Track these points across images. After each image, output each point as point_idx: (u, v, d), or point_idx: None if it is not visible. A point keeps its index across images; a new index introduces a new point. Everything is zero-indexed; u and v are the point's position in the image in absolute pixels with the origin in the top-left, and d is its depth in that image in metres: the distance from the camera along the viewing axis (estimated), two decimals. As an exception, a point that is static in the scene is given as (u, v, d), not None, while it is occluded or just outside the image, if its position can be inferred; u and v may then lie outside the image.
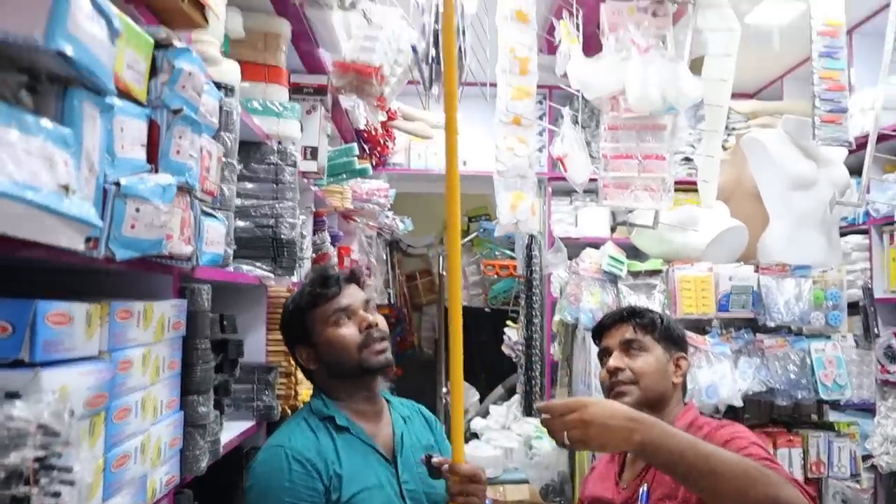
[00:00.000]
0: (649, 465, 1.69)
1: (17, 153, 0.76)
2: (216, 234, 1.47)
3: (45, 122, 0.82)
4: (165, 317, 1.34)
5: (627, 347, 1.76)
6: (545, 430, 1.32)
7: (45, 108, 0.88)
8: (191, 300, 1.49)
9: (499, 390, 5.54)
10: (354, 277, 1.73)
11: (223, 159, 1.58)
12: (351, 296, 1.68)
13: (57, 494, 0.78)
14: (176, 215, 1.24)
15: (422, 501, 1.65)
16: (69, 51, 0.83)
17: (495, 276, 6.13)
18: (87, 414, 0.99)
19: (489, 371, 6.03)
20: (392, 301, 5.99)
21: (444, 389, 5.75)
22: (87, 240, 0.98)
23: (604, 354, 1.83)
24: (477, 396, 5.82)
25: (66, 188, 0.83)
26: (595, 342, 1.92)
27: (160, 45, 1.20)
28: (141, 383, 1.22)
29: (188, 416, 1.47)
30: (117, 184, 1.01)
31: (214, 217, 1.49)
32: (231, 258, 1.65)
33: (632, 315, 1.82)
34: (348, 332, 1.63)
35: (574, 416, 1.25)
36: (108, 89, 0.97)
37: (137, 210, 1.04)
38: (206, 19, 1.48)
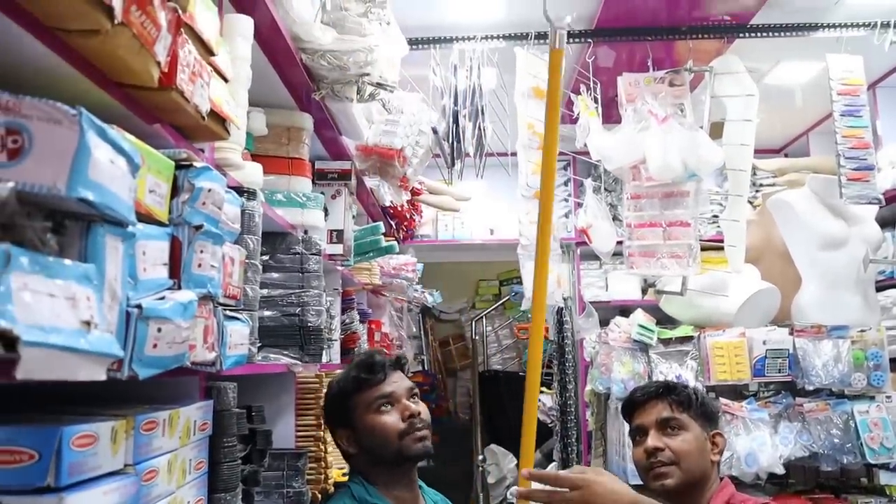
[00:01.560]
0: None
1: (41, 298, 0.81)
2: (239, 337, 1.51)
3: (68, 262, 0.88)
4: (191, 420, 1.38)
5: (664, 426, 1.74)
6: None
7: (69, 246, 0.94)
8: (217, 399, 1.53)
9: (536, 456, 5.46)
10: (400, 364, 1.74)
11: (246, 262, 1.63)
12: (395, 383, 1.68)
13: None
14: (199, 325, 1.28)
15: None
16: (91, 196, 0.89)
17: (528, 340, 6.10)
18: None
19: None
20: (426, 367, 5.99)
21: (481, 456, 5.69)
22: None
23: (637, 433, 1.80)
24: (514, 462, 5.74)
25: (88, 324, 0.88)
26: (626, 419, 1.89)
27: (181, 166, 1.27)
28: (167, 490, 1.25)
29: (216, 516, 1.49)
30: (139, 306, 1.06)
31: (238, 319, 1.53)
32: (256, 355, 1.68)
33: (667, 391, 1.79)
34: (390, 419, 1.63)
35: (576, 494, 1.22)
36: (130, 221, 1.03)
37: (159, 330, 1.08)
38: (227, 131, 1.55)
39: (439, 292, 4.30)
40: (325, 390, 2.37)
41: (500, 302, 6.71)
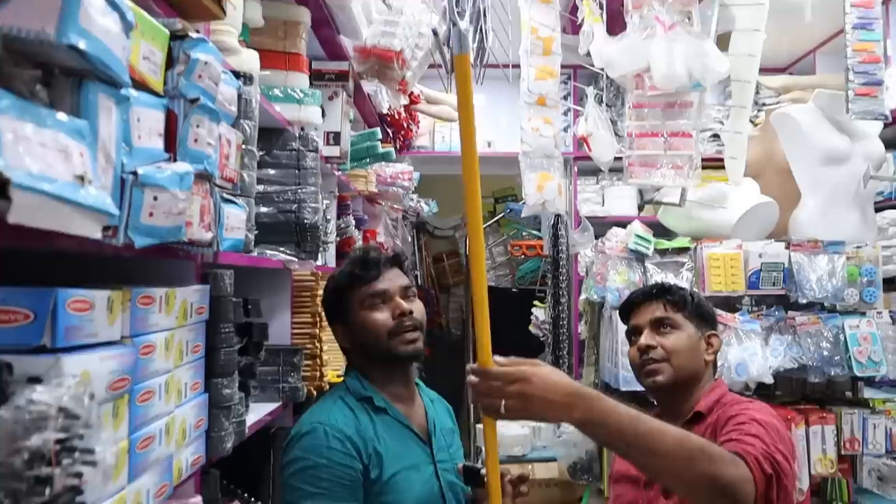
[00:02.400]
0: None
1: (32, 146, 0.78)
2: (236, 220, 1.49)
3: (60, 115, 0.84)
4: (188, 302, 1.37)
5: (658, 325, 1.76)
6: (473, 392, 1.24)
7: (60, 101, 0.90)
8: (214, 285, 1.52)
9: (529, 371, 5.54)
10: (397, 261, 1.71)
11: (243, 147, 1.59)
12: (390, 280, 1.65)
13: (79, 475, 0.80)
14: (195, 203, 1.26)
15: (452, 482, 1.68)
16: (82, 45, 0.85)
17: (522, 257, 6.10)
18: (109, 397, 1.02)
19: (517, 351, 6.02)
20: (419, 282, 6.01)
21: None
22: (106, 228, 1.00)
23: (633, 333, 1.82)
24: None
25: (81, 178, 0.85)
26: (623, 321, 1.90)
27: (176, 37, 1.22)
28: (164, 367, 1.25)
29: (213, 398, 1.50)
30: (134, 173, 1.03)
31: (235, 203, 1.51)
32: (253, 243, 1.67)
33: (662, 292, 1.80)
34: (380, 317, 1.61)
35: (514, 387, 1.19)
36: (124, 81, 0.99)
37: (155, 198, 1.06)
38: (223, 10, 1.49)
39: (435, 202, 4.27)
40: (321, 289, 2.37)
41: (495, 219, 6.68)
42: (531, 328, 4.78)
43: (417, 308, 1.66)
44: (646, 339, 1.75)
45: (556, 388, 1.20)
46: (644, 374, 1.76)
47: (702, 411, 1.68)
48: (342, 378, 1.73)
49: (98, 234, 0.89)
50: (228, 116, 1.49)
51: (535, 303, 4.84)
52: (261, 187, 2.14)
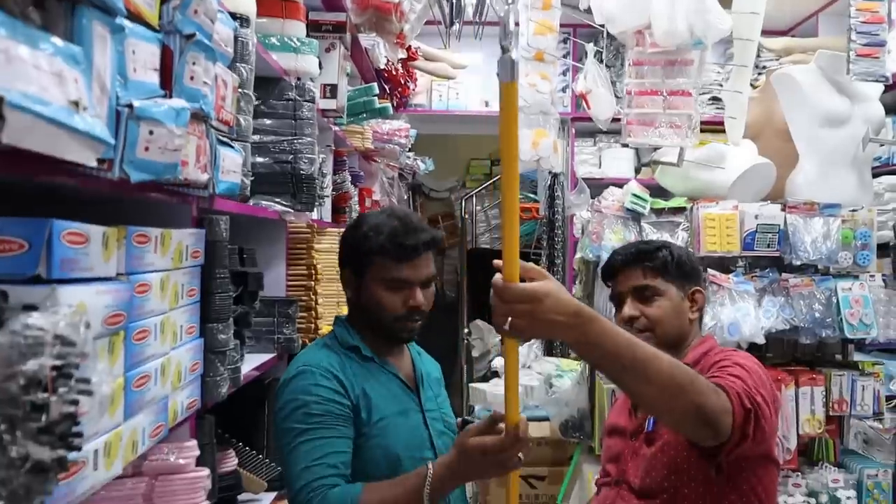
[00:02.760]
0: None
1: (26, 68, 0.76)
2: (232, 164, 1.48)
3: (55, 39, 0.82)
4: (183, 244, 1.36)
5: (640, 294, 1.74)
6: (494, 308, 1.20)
7: (53, 26, 0.88)
8: (209, 230, 1.51)
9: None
10: (433, 245, 1.64)
11: (239, 90, 1.57)
12: (417, 269, 1.60)
13: (75, 402, 0.80)
14: (191, 142, 1.24)
15: (441, 431, 1.72)
16: (74, -36, 0.82)
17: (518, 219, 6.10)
18: (105, 332, 1.02)
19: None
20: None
21: (466, 330, 5.81)
22: (102, 161, 0.98)
23: (616, 301, 1.81)
24: (499, 337, 5.87)
25: (76, 104, 0.83)
26: (606, 284, 1.89)
27: (171, -31, 1.19)
28: (160, 307, 1.25)
29: (208, 342, 1.50)
30: (130, 106, 1.01)
31: (231, 147, 1.49)
32: (248, 189, 1.66)
33: (641, 258, 1.76)
34: (393, 301, 1.60)
35: (525, 307, 1.14)
36: (118, 9, 0.97)
37: (151, 133, 1.04)
38: (218, -55, 1.45)
39: (432, 160, 4.25)
40: (317, 241, 2.37)
41: (491, 181, 6.66)
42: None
43: (429, 297, 1.65)
44: (628, 309, 1.74)
45: (561, 308, 1.17)
46: None
47: (689, 363, 1.68)
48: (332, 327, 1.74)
49: (93, 162, 0.88)
50: (224, 57, 1.46)
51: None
52: (256, 137, 2.12)
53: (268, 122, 2.18)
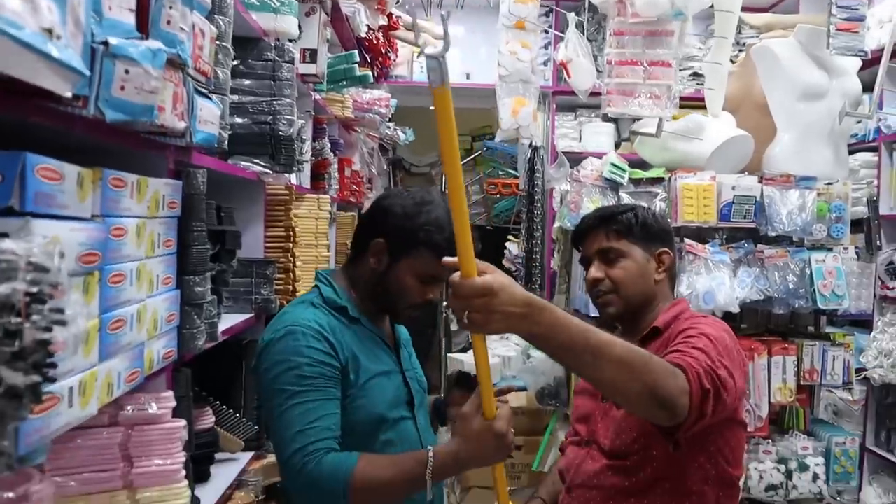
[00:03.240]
0: None
1: (-3, -9, 0.75)
2: (210, 114, 1.47)
3: (26, -36, 0.81)
4: (160, 194, 1.36)
5: (605, 256, 1.75)
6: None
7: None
8: (186, 183, 1.50)
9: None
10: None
11: (217, 42, 1.56)
12: (448, 271, 1.62)
13: (48, 329, 0.80)
14: (168, 88, 1.23)
15: (417, 390, 1.75)
16: None
17: (498, 195, 6.12)
18: (80, 270, 1.01)
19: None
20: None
21: (445, 303, 5.83)
22: (77, 98, 0.98)
23: (584, 264, 1.83)
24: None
25: (49, 32, 0.83)
26: (577, 249, 1.90)
27: None
28: (136, 254, 1.25)
29: (185, 295, 1.50)
30: (105, 43, 1.00)
31: (208, 98, 1.48)
32: (226, 142, 1.64)
33: (604, 221, 1.77)
34: (416, 292, 1.62)
35: (481, 301, 1.15)
36: (92, -60, 0.96)
37: (127, 72, 1.03)
38: None
39: (412, 129, 4.23)
40: (294, 204, 2.36)
41: (471, 157, 6.67)
42: (504, 262, 4.82)
43: (438, 296, 1.70)
44: (593, 272, 1.76)
45: (515, 300, 1.17)
46: (597, 305, 1.79)
47: (659, 327, 1.70)
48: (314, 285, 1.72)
49: (68, 93, 0.87)
50: (202, 7, 1.45)
51: (510, 237, 4.87)
52: (235, 97, 2.11)
53: (246, 82, 2.16)
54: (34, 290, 0.78)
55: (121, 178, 1.18)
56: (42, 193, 0.93)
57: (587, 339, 1.23)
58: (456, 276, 1.17)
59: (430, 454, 1.43)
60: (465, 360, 3.97)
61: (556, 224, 3.18)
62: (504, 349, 3.94)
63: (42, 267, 0.79)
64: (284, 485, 1.61)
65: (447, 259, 1.21)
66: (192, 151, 1.58)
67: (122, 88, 1.03)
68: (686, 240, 2.91)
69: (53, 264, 0.80)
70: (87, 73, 0.91)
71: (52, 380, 0.85)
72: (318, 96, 3.04)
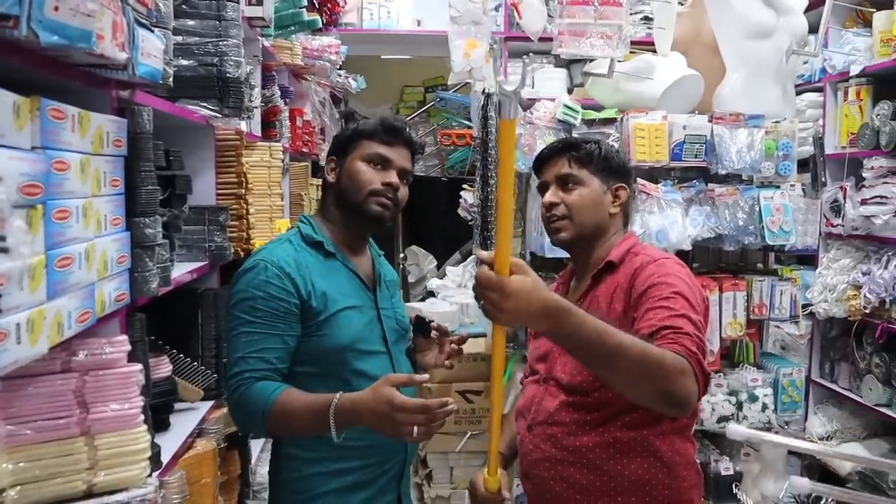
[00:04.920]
0: (587, 294, 1.75)
1: None
2: (153, 48, 1.41)
3: None
4: (104, 130, 1.31)
5: (563, 182, 1.77)
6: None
7: None
8: (132, 121, 1.46)
9: (456, 256, 5.63)
10: (413, 147, 1.78)
11: (156, -27, 1.49)
12: (399, 154, 1.74)
13: (-9, 253, 0.77)
14: (106, 15, 1.18)
15: (394, 328, 1.80)
16: None
17: (452, 147, 6.08)
18: (22, 202, 0.97)
19: (447, 239, 6.10)
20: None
21: (402, 255, 5.84)
22: (6, 18, 0.93)
23: (541, 189, 1.83)
24: (434, 263, 5.92)
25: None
26: (537, 175, 1.91)
27: None
28: (81, 191, 1.20)
29: (135, 237, 1.47)
30: (35, -40, 0.95)
31: (150, 30, 1.42)
32: (171, 79, 1.59)
33: (567, 148, 1.80)
34: (370, 175, 1.70)
35: (493, 295, 1.24)
36: None
37: (60, -9, 0.98)
38: None
39: (363, 77, 4.16)
40: (245, 151, 2.32)
41: (425, 108, 6.61)
42: (460, 211, 4.81)
43: (403, 193, 1.75)
44: (549, 196, 1.78)
45: (531, 303, 1.24)
46: (550, 230, 1.80)
47: (613, 261, 1.72)
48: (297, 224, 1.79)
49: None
50: (138, -67, 1.38)
51: (465, 186, 4.86)
52: (179, 38, 2.04)
53: (190, 22, 2.09)
54: (-27, 212, 0.75)
55: (60, 109, 1.13)
56: (-24, 119, 0.89)
57: (605, 341, 1.30)
58: (484, 267, 1.25)
59: (336, 398, 1.48)
60: (422, 308, 3.98)
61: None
62: (462, 297, 3.96)
63: (-20, 188, 0.75)
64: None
65: (482, 253, 1.30)
66: (137, 90, 1.53)
67: (57, 9, 0.98)
68: (639, 179, 2.94)
69: (-8, 186, 0.76)
70: (17, -13, 0.86)
71: (-1, 310, 0.82)
72: (266, 42, 2.96)
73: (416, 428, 1.39)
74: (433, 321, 1.86)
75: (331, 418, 1.47)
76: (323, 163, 2.31)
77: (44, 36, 0.97)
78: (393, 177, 1.71)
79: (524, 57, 4.53)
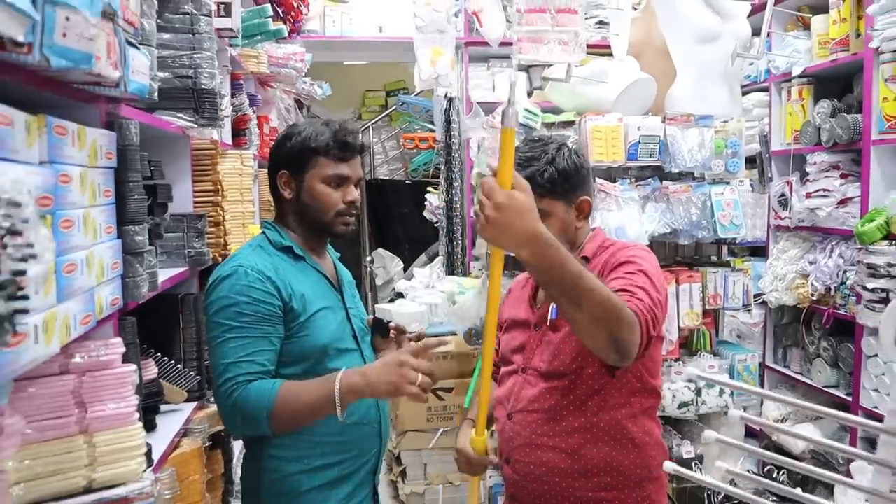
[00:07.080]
0: None
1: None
2: (141, 65, 1.49)
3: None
4: (97, 144, 1.39)
5: None
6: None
7: None
8: (120, 134, 1.53)
9: (422, 258, 5.73)
10: (362, 150, 1.84)
11: (140, -7, 1.57)
12: (354, 168, 1.80)
13: (25, 259, 0.85)
14: (102, 38, 1.26)
15: (360, 327, 1.89)
16: None
17: (415, 149, 6.19)
18: (36, 213, 1.05)
19: (412, 241, 6.20)
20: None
21: (369, 258, 5.91)
22: (20, 45, 1.01)
23: None
24: (401, 265, 6.01)
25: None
26: None
27: None
28: (81, 201, 1.28)
29: (126, 244, 1.54)
30: (44, -9, 1.03)
31: (137, 48, 1.50)
32: (156, 93, 1.67)
33: (528, 180, 1.85)
34: (334, 197, 1.77)
35: (486, 203, 1.29)
36: None
37: (68, 19, 1.07)
38: None
39: (328, 84, 4.24)
40: (220, 158, 2.39)
41: (387, 112, 6.69)
42: (426, 214, 4.91)
43: (358, 197, 1.82)
44: None
45: (523, 222, 1.29)
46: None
47: (587, 256, 1.82)
48: (261, 231, 1.84)
49: (20, 37, 0.91)
50: (125, -42, 1.46)
51: (430, 189, 4.96)
52: (156, 51, 2.10)
53: (165, 36, 2.16)
54: (8, 224, 0.84)
55: (63, 125, 1.21)
56: (-4, 138, 0.97)
57: (580, 283, 1.37)
58: (490, 178, 1.30)
59: (341, 373, 1.59)
60: (391, 310, 4.07)
61: (475, 170, 3.29)
62: (430, 297, 4.06)
63: (14, 202, 0.84)
64: (219, 412, 1.72)
65: (491, 162, 1.34)
66: (122, 104, 1.60)
67: (64, 35, 1.06)
68: (598, 179, 3.08)
69: (24, 198, 0.85)
70: (37, 16, 0.95)
71: (26, 311, 0.91)
72: (234, 52, 3.03)
73: (419, 377, 1.56)
74: (391, 321, 1.96)
75: (336, 389, 1.55)
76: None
77: (54, 60, 1.05)
78: (353, 192, 1.79)
79: (487, 61, 4.67)
